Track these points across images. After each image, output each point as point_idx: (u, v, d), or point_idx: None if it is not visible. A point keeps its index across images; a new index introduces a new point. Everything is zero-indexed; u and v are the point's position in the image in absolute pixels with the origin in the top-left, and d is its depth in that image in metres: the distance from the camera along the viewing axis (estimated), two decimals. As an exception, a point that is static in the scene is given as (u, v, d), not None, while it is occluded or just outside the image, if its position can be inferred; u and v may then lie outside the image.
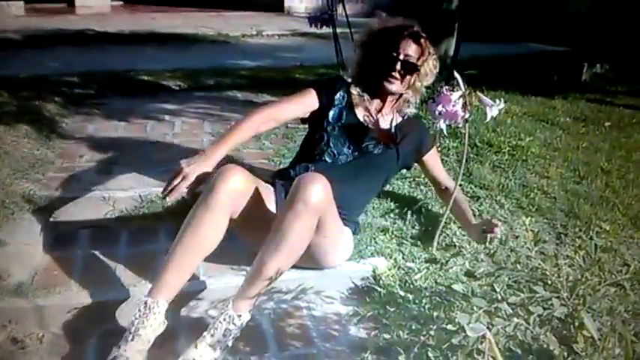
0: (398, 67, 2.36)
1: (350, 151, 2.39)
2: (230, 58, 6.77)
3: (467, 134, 2.33)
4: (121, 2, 13.22)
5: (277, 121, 2.40)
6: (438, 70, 2.46)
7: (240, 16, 11.51)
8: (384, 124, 2.49)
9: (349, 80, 2.53)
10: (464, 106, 2.15)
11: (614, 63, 6.63)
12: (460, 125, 2.26)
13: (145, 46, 7.79)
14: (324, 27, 3.71)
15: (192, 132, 3.67)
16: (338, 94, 2.47)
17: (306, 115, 2.46)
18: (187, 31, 9.03)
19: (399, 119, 2.53)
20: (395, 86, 2.40)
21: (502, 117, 4.04)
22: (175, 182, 2.00)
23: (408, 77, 2.40)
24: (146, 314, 1.85)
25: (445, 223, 2.48)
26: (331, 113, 2.44)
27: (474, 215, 2.71)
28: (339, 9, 3.71)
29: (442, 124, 2.35)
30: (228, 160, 2.31)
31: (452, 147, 3.45)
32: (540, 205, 2.92)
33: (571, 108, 4.80)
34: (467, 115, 2.17)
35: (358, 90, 2.48)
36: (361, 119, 2.46)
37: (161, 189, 2.04)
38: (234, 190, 2.01)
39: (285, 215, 1.93)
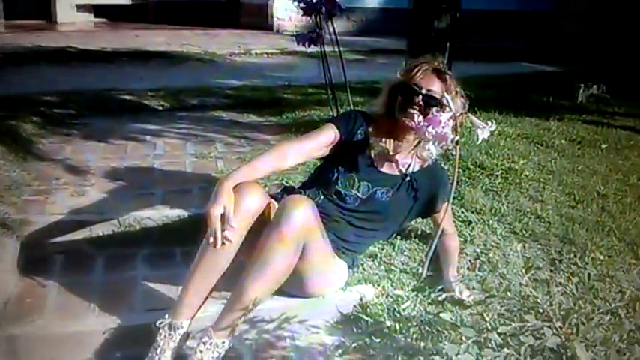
0: (419, 100, 2.23)
1: (359, 193, 2.28)
2: (216, 77, 6.72)
3: (457, 156, 2.28)
4: (105, 19, 13.18)
5: (298, 156, 2.27)
6: (467, 110, 2.28)
7: (228, 34, 11.49)
8: (400, 170, 2.35)
9: (369, 116, 2.41)
10: (454, 127, 2.10)
11: (611, 83, 6.53)
12: (450, 147, 2.21)
13: (128, 64, 7.72)
14: (312, 46, 3.66)
15: (174, 153, 3.59)
16: (358, 131, 2.35)
17: (327, 152, 2.34)
18: (172, 49, 8.99)
19: (417, 167, 2.38)
20: (414, 122, 2.22)
21: (495, 139, 3.97)
22: (216, 232, 1.93)
23: (431, 112, 2.22)
24: (171, 335, 1.92)
25: (435, 248, 2.39)
26: (345, 151, 2.32)
27: (465, 241, 2.66)
28: (329, 27, 3.65)
29: (432, 147, 2.31)
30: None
31: (443, 169, 3.37)
32: (534, 230, 2.84)
33: (566, 130, 4.71)
34: (457, 137, 2.12)
35: (377, 130, 2.36)
36: (375, 162, 2.34)
37: (141, 213, 1.99)
38: (251, 212, 2.01)
39: (269, 238, 1.93)
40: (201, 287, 1.99)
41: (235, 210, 1.94)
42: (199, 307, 2.00)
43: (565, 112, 5.40)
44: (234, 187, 1.99)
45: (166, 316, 1.95)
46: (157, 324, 1.95)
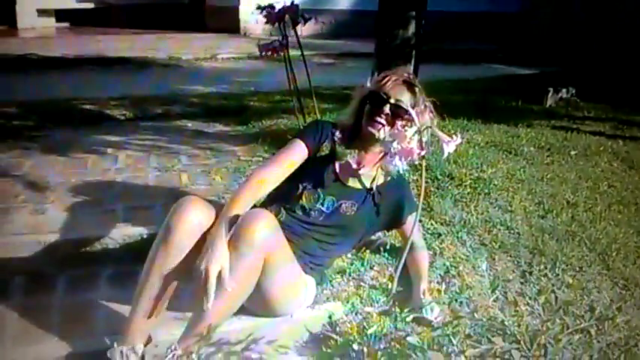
0: (386, 109, 2.21)
1: (323, 208, 2.25)
2: (181, 84, 6.62)
3: (423, 170, 2.27)
4: (67, 24, 12.94)
5: (275, 181, 2.21)
6: (436, 124, 2.26)
7: (194, 37, 11.39)
8: (365, 184, 2.33)
9: (335, 125, 2.38)
10: (419, 142, 2.07)
11: (581, 85, 6.49)
12: (417, 161, 2.19)
13: (91, 71, 7.57)
14: (276, 55, 3.60)
15: (136, 166, 3.48)
16: (324, 143, 2.32)
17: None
18: (136, 54, 8.84)
19: (382, 179, 2.35)
20: (381, 132, 2.21)
21: (464, 147, 3.93)
22: (209, 290, 1.84)
23: (397, 125, 2.18)
24: None
25: (404, 264, 2.35)
26: (311, 164, 2.29)
27: (435, 254, 2.64)
28: (292, 32, 3.60)
29: (398, 163, 2.27)
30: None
31: (412, 180, 3.25)
32: (504, 241, 2.80)
33: (535, 136, 4.68)
34: (423, 152, 2.10)
35: (343, 142, 2.34)
36: (340, 176, 2.31)
37: (101, 231, 1.94)
38: (193, 225, 1.97)
39: (229, 254, 1.88)
40: (152, 309, 1.96)
41: (179, 225, 1.94)
42: (151, 329, 1.98)
43: (534, 117, 5.39)
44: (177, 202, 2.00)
45: (115, 344, 1.91)
46: (108, 354, 1.90)
